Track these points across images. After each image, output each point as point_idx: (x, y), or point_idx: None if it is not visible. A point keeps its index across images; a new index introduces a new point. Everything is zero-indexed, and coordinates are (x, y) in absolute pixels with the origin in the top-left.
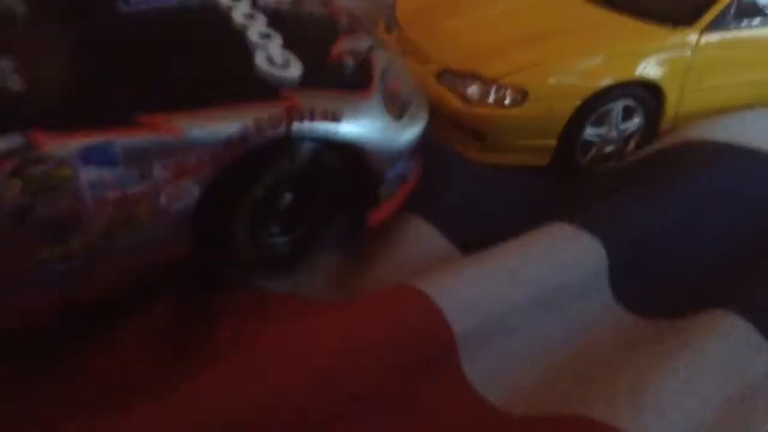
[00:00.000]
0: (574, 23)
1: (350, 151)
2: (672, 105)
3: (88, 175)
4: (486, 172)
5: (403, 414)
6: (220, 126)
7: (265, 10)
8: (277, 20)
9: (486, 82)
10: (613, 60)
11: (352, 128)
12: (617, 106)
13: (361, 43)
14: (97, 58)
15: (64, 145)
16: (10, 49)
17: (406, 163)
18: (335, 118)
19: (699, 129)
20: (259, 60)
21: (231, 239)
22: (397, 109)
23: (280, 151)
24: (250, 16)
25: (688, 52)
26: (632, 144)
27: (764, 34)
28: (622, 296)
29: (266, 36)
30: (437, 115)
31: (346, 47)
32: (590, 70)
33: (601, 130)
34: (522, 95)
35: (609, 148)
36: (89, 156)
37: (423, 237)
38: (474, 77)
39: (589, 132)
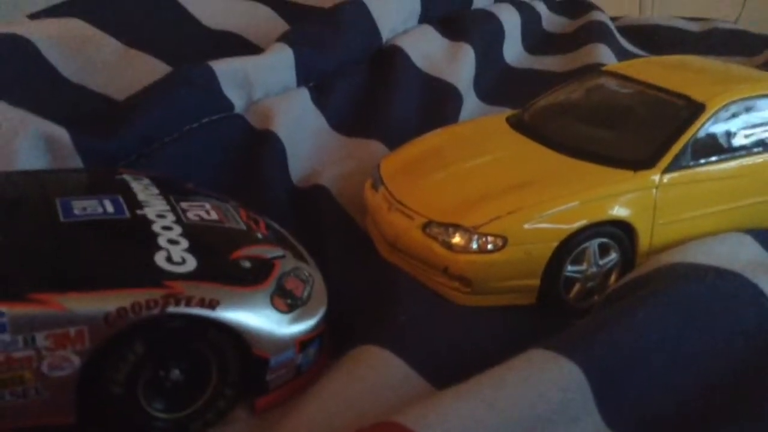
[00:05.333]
0: (545, 172)
1: (229, 333)
2: (644, 239)
3: None
4: (467, 312)
5: None
6: (101, 305)
7: (183, 224)
8: (190, 230)
9: (468, 231)
10: (584, 203)
11: (230, 314)
12: (593, 245)
13: (268, 252)
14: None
15: None
16: None
17: (304, 357)
18: (211, 305)
19: (668, 255)
20: (158, 258)
21: (110, 410)
22: (285, 304)
23: (153, 327)
24: (168, 228)
25: (653, 192)
26: (613, 277)
27: (722, 168)
28: (612, 422)
29: (174, 242)
30: (426, 263)
31: (246, 253)
32: (564, 213)
33: (581, 267)
34: (502, 241)
35: (591, 284)
36: None
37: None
38: (456, 227)
39: (570, 270)
